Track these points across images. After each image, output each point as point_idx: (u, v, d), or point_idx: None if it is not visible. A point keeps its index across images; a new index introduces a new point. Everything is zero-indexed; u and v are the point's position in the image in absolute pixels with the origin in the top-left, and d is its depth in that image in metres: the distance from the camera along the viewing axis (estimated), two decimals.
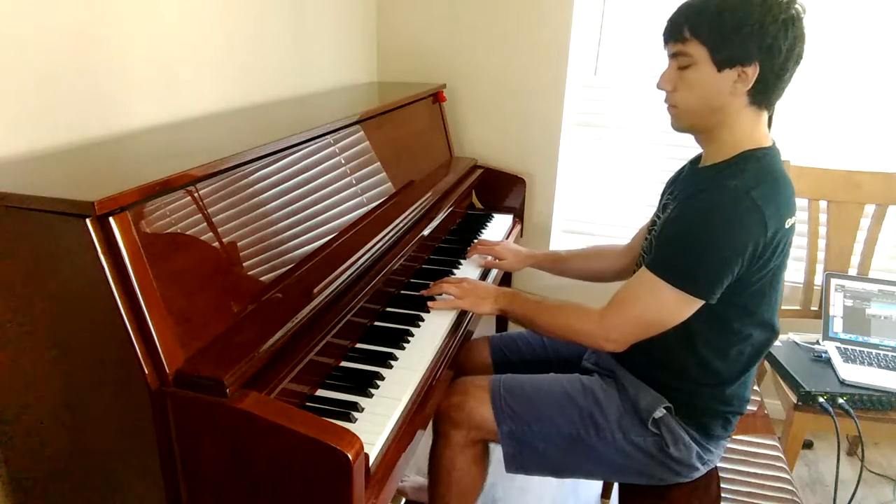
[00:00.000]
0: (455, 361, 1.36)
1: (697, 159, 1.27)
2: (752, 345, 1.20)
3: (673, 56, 1.13)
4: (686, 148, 2.21)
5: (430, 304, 1.38)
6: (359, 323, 1.28)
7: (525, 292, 1.34)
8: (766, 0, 1.04)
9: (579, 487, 1.98)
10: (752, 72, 1.06)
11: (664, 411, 1.22)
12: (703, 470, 1.28)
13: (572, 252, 1.62)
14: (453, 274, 1.62)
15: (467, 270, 1.65)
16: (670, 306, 1.11)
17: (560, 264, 1.62)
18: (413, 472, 1.87)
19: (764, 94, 1.09)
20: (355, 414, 1.03)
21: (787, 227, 1.10)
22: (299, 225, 1.22)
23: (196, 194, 1.00)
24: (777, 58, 1.05)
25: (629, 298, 1.15)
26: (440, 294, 1.41)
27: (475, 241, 1.81)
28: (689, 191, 1.17)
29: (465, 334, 1.43)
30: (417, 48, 2.30)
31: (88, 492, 1.03)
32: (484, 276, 1.67)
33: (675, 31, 1.11)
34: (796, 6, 1.05)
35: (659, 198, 1.36)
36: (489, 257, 1.69)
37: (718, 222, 1.06)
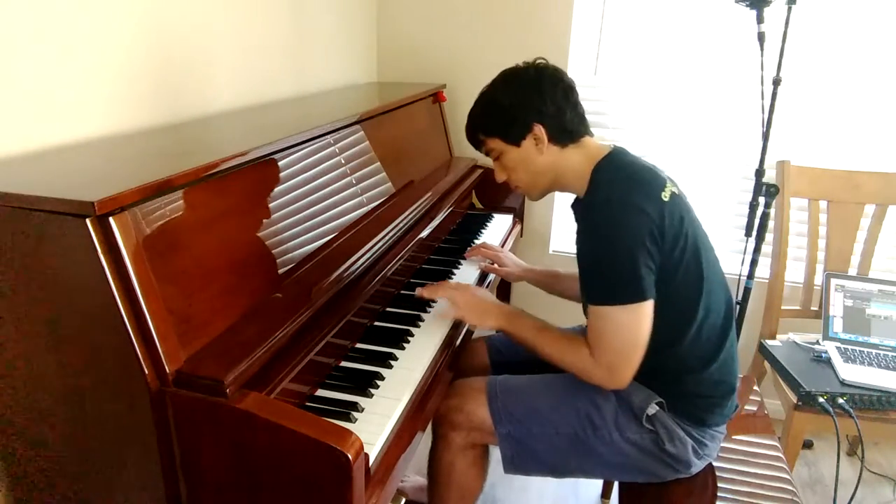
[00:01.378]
0: (454, 363, 1.36)
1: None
2: (716, 317, 1.23)
3: (487, 154, 1.34)
4: (683, 148, 2.21)
5: (433, 311, 1.37)
6: (359, 323, 1.28)
7: (528, 314, 1.32)
8: (507, 79, 1.26)
9: (579, 487, 1.98)
10: (539, 131, 1.23)
11: (657, 407, 1.23)
12: (700, 465, 1.28)
13: (569, 273, 1.62)
14: (453, 275, 1.62)
15: (467, 271, 1.65)
16: (626, 323, 1.14)
17: (556, 283, 1.63)
18: (413, 473, 1.87)
19: (564, 134, 1.25)
20: (355, 414, 1.03)
21: (665, 199, 1.15)
22: (299, 225, 1.22)
23: (196, 194, 1.00)
24: (547, 108, 1.22)
25: (597, 339, 1.18)
26: (438, 297, 1.39)
27: (476, 241, 1.80)
28: (578, 225, 1.27)
29: (465, 334, 1.43)
30: (417, 48, 2.30)
31: (88, 492, 1.03)
32: (482, 280, 1.67)
33: (475, 140, 1.34)
34: (534, 64, 1.26)
35: None
36: (490, 261, 1.69)
37: (607, 232, 1.14)
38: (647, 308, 1.14)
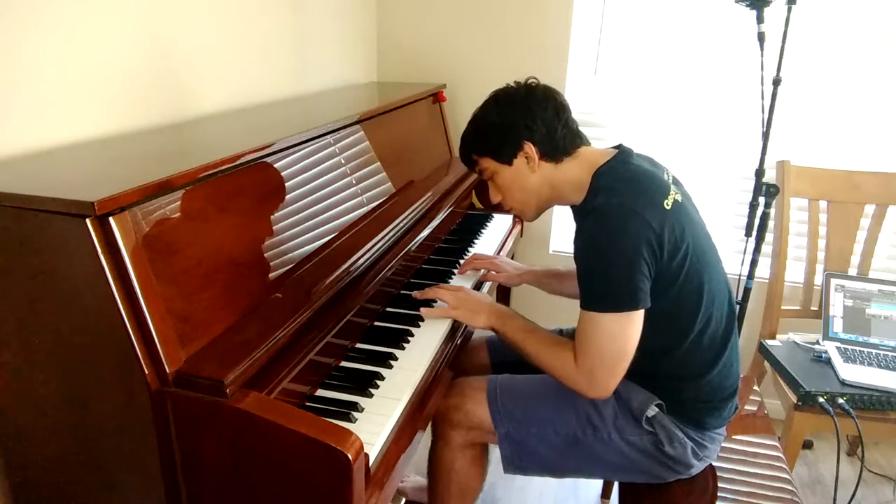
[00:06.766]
0: (454, 362, 1.35)
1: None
2: (717, 326, 1.22)
3: (480, 175, 1.35)
4: (682, 148, 2.21)
5: (423, 310, 1.36)
6: (359, 323, 1.28)
7: (519, 316, 1.33)
8: (497, 99, 1.27)
9: (579, 487, 1.98)
10: (530, 149, 1.24)
11: (656, 409, 1.23)
12: (699, 466, 1.28)
13: (570, 270, 1.60)
14: (453, 275, 1.61)
15: (464, 277, 1.63)
16: (617, 331, 1.13)
17: (557, 283, 1.60)
18: (413, 472, 1.87)
19: (557, 150, 1.24)
20: (355, 414, 1.03)
21: (668, 208, 1.13)
22: (299, 225, 1.22)
23: (196, 194, 1.00)
24: (537, 126, 1.23)
25: (583, 344, 1.17)
26: (434, 300, 1.39)
27: (476, 242, 1.79)
28: (576, 230, 1.26)
29: (464, 335, 1.43)
30: (417, 48, 2.31)
31: (88, 492, 1.03)
32: (478, 287, 1.64)
33: (468, 161, 1.34)
34: (525, 83, 1.26)
35: None
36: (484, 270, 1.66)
37: (605, 239, 1.12)
38: (637, 317, 1.13)
